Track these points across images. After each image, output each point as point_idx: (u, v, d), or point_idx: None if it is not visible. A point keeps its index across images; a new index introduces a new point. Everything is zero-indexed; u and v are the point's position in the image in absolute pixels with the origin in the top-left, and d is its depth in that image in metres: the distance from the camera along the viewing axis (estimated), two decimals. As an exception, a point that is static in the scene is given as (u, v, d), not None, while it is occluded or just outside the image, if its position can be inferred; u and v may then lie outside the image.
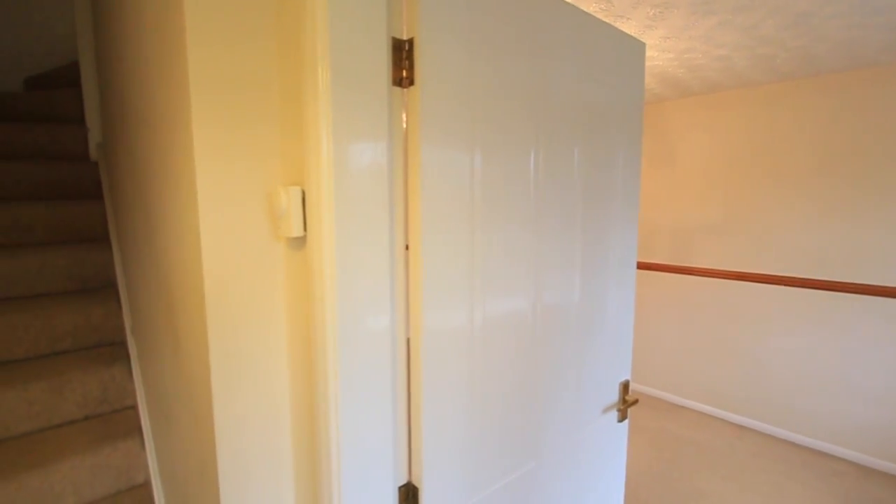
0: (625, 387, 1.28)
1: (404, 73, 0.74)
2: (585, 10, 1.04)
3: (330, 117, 0.65)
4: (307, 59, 0.65)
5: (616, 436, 1.30)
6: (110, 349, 1.73)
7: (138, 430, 1.53)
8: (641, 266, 3.39)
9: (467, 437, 0.88)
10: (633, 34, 1.93)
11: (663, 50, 2.13)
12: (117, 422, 1.57)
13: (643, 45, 1.16)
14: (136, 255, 1.48)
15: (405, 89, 0.74)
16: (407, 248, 0.77)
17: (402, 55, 0.73)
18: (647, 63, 2.32)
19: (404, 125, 0.75)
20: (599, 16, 1.74)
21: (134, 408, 1.65)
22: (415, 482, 0.83)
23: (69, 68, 2.66)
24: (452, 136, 0.78)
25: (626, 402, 1.28)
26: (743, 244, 2.92)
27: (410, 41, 0.73)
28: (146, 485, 1.52)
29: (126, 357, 1.67)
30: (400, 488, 0.82)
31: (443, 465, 0.84)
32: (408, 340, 0.80)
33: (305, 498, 0.83)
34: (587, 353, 1.13)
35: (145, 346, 1.48)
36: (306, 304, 0.77)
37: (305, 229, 0.72)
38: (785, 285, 2.74)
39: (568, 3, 0.95)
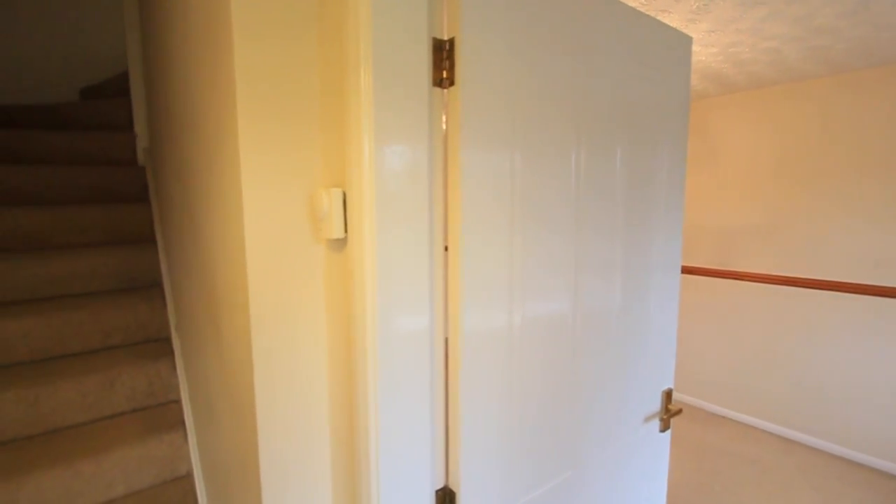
0: (667, 395, 1.23)
1: (444, 74, 0.73)
2: (627, 3, 1.00)
3: (372, 119, 0.65)
4: (350, 61, 0.66)
5: (658, 446, 1.25)
6: (156, 345, 1.81)
7: (181, 423, 1.59)
8: (682, 269, 3.26)
9: (504, 442, 0.86)
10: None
11: (706, 44, 2.05)
12: (162, 415, 1.64)
13: (689, 39, 1.11)
14: (181, 255, 1.54)
15: (445, 90, 0.74)
16: (446, 248, 0.77)
17: (443, 55, 0.73)
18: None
19: (444, 126, 0.75)
20: (640, 10, 1.69)
21: (177, 402, 1.72)
22: (452, 486, 0.82)
23: (120, 78, 2.81)
24: (492, 136, 0.76)
25: (669, 412, 1.22)
26: (792, 247, 2.76)
27: (451, 41, 0.72)
28: (188, 476, 1.58)
29: (170, 353, 1.74)
30: (437, 492, 0.81)
31: (480, 470, 0.83)
32: (446, 341, 0.79)
33: (343, 498, 0.83)
34: (629, 359, 1.09)
35: (188, 342, 1.54)
36: (345, 305, 0.77)
37: (346, 231, 0.72)
38: (838, 291, 2.57)
39: (610, -2, 0.92)
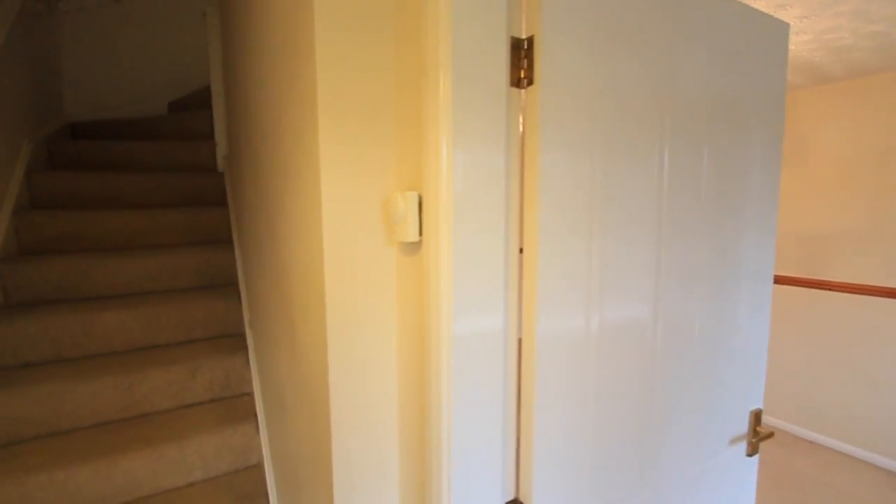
0: (756, 417, 1.12)
1: (522, 74, 0.71)
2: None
3: (450, 121, 0.64)
4: (428, 63, 0.65)
5: (743, 472, 1.14)
6: (232, 340, 1.92)
7: (253, 415, 1.68)
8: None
9: (577, 455, 0.82)
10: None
11: (797, 32, 1.87)
12: (236, 406, 1.74)
13: (786, 26, 1.01)
14: (256, 255, 1.62)
15: (523, 90, 0.72)
16: (521, 251, 0.74)
17: (521, 54, 0.71)
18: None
19: (521, 127, 0.73)
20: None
21: (250, 394, 1.82)
22: (522, 499, 0.79)
23: (202, 92, 3.05)
24: (571, 136, 0.73)
25: (758, 435, 1.11)
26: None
27: (530, 39, 0.70)
28: (259, 466, 1.66)
29: (244, 348, 1.84)
30: (507, 504, 0.78)
31: (551, 483, 0.79)
32: (519, 345, 0.76)
33: (410, 500, 0.83)
34: (713, 374, 1.00)
35: (261, 338, 1.62)
36: (418, 308, 0.77)
37: (421, 234, 0.72)
38: (959, 306, 2.24)
39: (698, -15, 0.85)
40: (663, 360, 0.90)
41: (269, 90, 1.15)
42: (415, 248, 0.75)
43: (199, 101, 3.05)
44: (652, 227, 0.84)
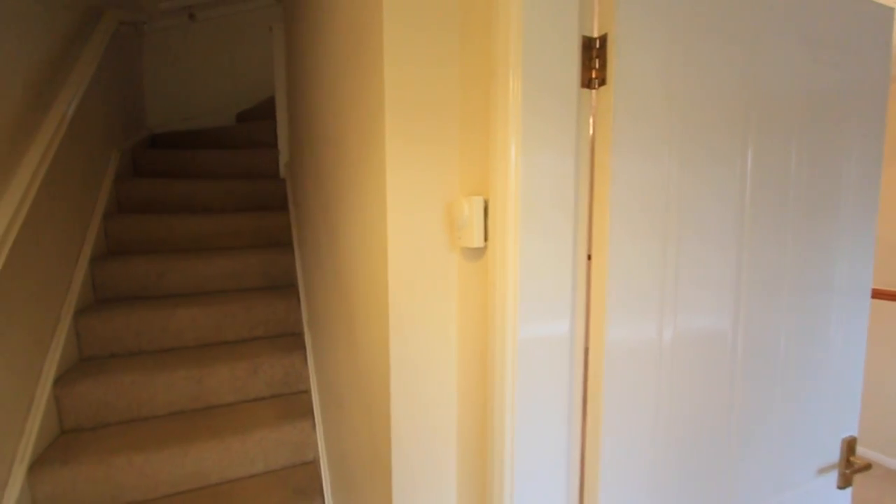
0: (849, 445, 1.01)
1: (593, 74, 0.68)
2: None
3: (519, 125, 0.63)
4: (498, 65, 0.65)
5: (833, 505, 1.03)
6: (291, 339, 2.00)
7: (310, 412, 1.73)
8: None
9: (646, 475, 0.77)
10: None
11: None
12: (294, 403, 1.81)
13: (890, 11, 0.91)
14: (315, 258, 1.68)
15: (594, 90, 0.69)
16: (589, 258, 0.71)
17: (592, 54, 0.68)
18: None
19: (591, 129, 0.70)
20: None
21: (307, 392, 1.88)
22: (586, 518, 0.75)
23: (267, 102, 3.22)
24: (645, 138, 0.69)
25: (852, 466, 1.00)
26: None
27: (602, 38, 0.68)
28: (314, 462, 1.71)
29: (303, 347, 1.91)
30: (570, 522, 0.75)
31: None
32: (585, 354, 0.73)
33: (469, 511, 0.81)
34: (800, 396, 0.91)
35: (319, 338, 1.67)
36: (480, 314, 0.76)
37: (486, 239, 0.71)
38: None
39: (787, -28, 0.79)
40: (743, 377, 0.83)
41: (333, 97, 1.19)
42: (478, 253, 0.74)
43: (263, 112, 3.23)
44: (733, 233, 0.78)
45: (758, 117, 0.78)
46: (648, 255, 0.72)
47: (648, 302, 0.73)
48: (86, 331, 1.79)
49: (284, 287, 2.23)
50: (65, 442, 1.54)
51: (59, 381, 1.60)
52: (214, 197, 2.54)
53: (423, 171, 0.77)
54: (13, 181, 1.43)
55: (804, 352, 0.90)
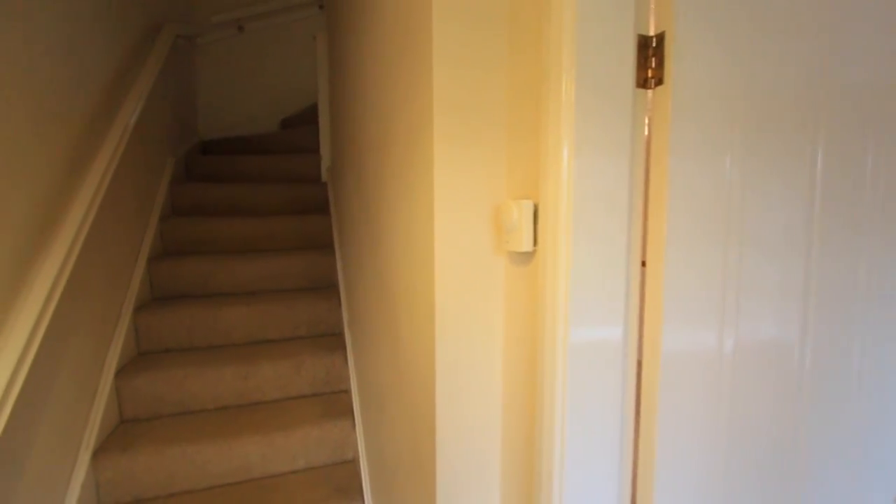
0: (929, 470, 0.93)
1: (649, 73, 0.66)
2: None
3: (572, 127, 0.62)
4: (550, 66, 0.64)
5: (910, 535, 0.95)
6: (332, 339, 2.05)
7: (350, 412, 1.76)
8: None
9: (702, 493, 0.74)
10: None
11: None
12: (335, 402, 1.84)
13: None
14: (356, 260, 1.72)
15: (649, 91, 0.67)
16: (643, 264, 0.69)
17: (648, 53, 0.66)
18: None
19: (646, 131, 0.68)
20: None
21: (347, 392, 1.92)
22: (638, 533, 0.72)
23: (309, 109, 3.33)
24: (705, 138, 0.67)
25: (933, 493, 0.92)
26: None
27: (659, 36, 0.66)
28: (354, 462, 1.74)
29: (343, 347, 1.95)
30: (620, 536, 0.73)
31: (672, 521, 0.72)
32: (638, 364, 0.71)
33: (514, 518, 0.80)
34: (880, 420, 0.85)
35: (359, 339, 1.70)
36: (527, 319, 0.75)
37: (535, 244, 0.70)
38: None
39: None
40: (812, 398, 0.78)
41: (377, 101, 1.21)
42: (527, 257, 0.73)
43: (306, 118, 3.34)
44: (801, 239, 0.74)
45: (829, 113, 0.74)
46: (708, 262, 0.69)
47: (708, 310, 0.69)
48: (143, 327, 1.90)
49: (325, 288, 2.29)
50: (123, 431, 1.64)
51: (120, 373, 1.71)
52: (259, 200, 2.64)
53: (469, 173, 0.78)
54: (83, 185, 1.55)
55: (881, 368, 0.84)
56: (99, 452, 1.51)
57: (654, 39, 0.66)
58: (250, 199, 2.63)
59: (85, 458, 1.46)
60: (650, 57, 0.66)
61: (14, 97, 1.24)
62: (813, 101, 0.73)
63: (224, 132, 3.37)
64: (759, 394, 0.75)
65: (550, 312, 0.66)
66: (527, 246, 0.70)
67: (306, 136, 3.12)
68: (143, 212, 2.10)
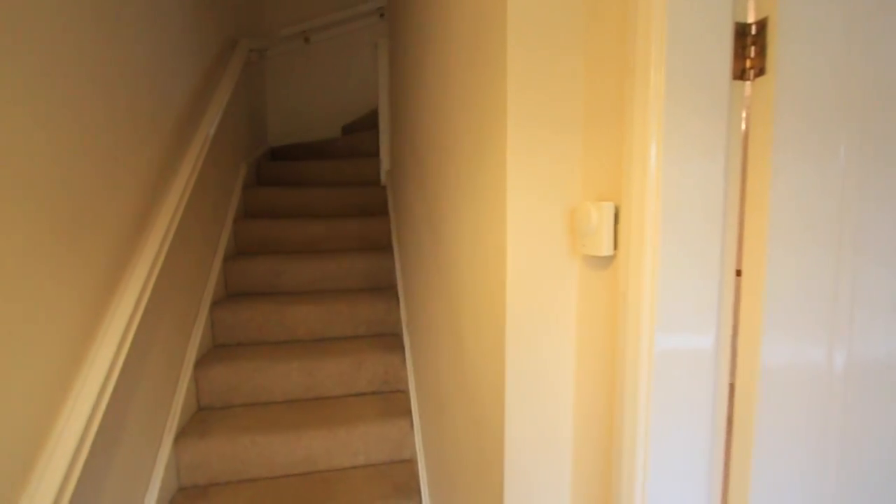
0: None
1: (748, 64, 0.61)
2: None
3: (661, 123, 0.58)
4: (637, 59, 0.60)
5: None
6: (390, 339, 2.09)
7: (408, 412, 1.78)
8: None
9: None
10: None
11: None
12: (393, 401, 1.87)
13: None
14: (416, 261, 1.73)
15: (748, 82, 0.61)
16: (738, 273, 0.63)
17: (747, 41, 0.61)
18: None
19: (743, 125, 0.62)
20: None
21: (405, 392, 1.94)
22: (728, 564, 0.66)
23: (370, 115, 3.43)
24: (814, 134, 0.60)
25: None
26: None
27: (760, 23, 0.60)
28: (411, 461, 1.75)
29: (401, 347, 1.98)
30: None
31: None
32: (731, 379, 0.65)
33: (586, 535, 0.77)
34: None
35: (418, 340, 1.72)
36: (604, 326, 0.71)
37: (616, 248, 0.66)
38: None
39: None
40: (941, 422, 0.68)
41: (441, 103, 1.22)
42: (606, 262, 0.70)
43: (366, 124, 3.44)
44: (930, 246, 0.64)
45: (967, 103, 0.64)
46: (815, 271, 0.62)
47: (814, 323, 0.62)
48: (218, 321, 2.03)
49: (384, 288, 2.34)
50: (200, 418, 1.76)
51: (198, 364, 1.84)
52: (322, 203, 2.75)
53: (543, 173, 0.75)
54: (170, 191, 1.68)
55: None
56: (180, 437, 1.63)
57: (754, 27, 0.61)
58: (314, 202, 2.74)
59: (168, 441, 1.58)
60: (749, 46, 0.61)
61: (119, 109, 1.37)
62: (949, 86, 0.63)
63: (290, 138, 3.55)
64: (876, 418, 0.66)
65: (633, 320, 0.62)
66: (606, 250, 0.67)
67: (366, 140, 3.21)
68: (219, 214, 2.26)
